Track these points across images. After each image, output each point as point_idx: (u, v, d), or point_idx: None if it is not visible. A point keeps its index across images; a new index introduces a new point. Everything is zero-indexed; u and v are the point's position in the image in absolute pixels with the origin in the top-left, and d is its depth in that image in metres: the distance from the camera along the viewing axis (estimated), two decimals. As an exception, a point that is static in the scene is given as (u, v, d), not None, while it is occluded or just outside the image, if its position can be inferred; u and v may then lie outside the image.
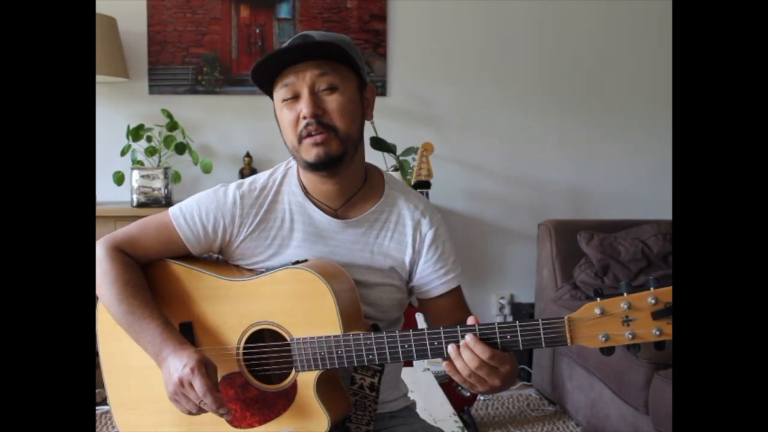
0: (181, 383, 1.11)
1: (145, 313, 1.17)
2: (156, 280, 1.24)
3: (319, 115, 1.16)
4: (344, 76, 1.19)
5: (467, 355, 1.05)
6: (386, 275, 1.26)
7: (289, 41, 1.21)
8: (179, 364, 1.12)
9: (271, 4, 3.12)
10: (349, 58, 1.18)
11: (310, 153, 1.18)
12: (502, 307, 3.33)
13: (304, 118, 1.16)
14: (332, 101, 1.17)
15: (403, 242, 1.27)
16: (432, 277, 1.28)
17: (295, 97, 1.18)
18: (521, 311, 3.21)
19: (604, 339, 1.03)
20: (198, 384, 1.10)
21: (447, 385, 2.50)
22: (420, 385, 2.06)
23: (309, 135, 1.17)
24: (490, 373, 1.06)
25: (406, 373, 1.44)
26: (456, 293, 1.30)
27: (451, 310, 1.28)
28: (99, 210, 2.64)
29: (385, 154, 2.96)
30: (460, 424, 1.79)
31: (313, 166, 1.19)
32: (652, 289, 1.01)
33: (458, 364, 1.06)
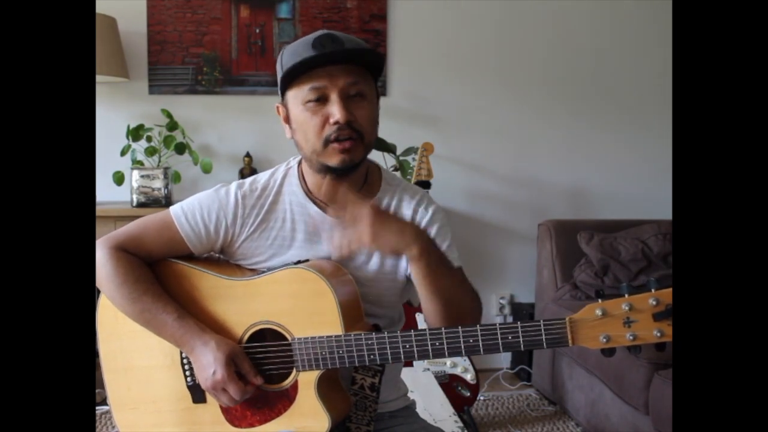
0: (215, 388, 1.16)
1: (160, 307, 1.19)
2: (157, 279, 1.24)
3: (351, 120, 1.15)
4: (371, 86, 1.20)
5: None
6: (385, 265, 1.25)
7: (317, 38, 1.15)
8: (207, 365, 1.15)
9: (271, 4, 3.12)
10: (380, 69, 1.19)
11: (335, 158, 1.17)
12: (502, 307, 3.33)
13: (336, 123, 1.15)
14: (362, 108, 1.17)
15: None
16: None
17: (321, 100, 1.16)
18: (521, 311, 3.20)
19: (605, 340, 1.03)
20: (233, 391, 1.15)
21: (447, 385, 2.50)
22: (420, 385, 2.06)
23: (337, 140, 1.15)
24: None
25: (405, 373, 1.44)
26: None
27: None
28: (99, 210, 2.64)
29: (385, 154, 2.96)
30: (460, 424, 1.79)
31: (333, 170, 1.19)
32: (653, 290, 1.01)
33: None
